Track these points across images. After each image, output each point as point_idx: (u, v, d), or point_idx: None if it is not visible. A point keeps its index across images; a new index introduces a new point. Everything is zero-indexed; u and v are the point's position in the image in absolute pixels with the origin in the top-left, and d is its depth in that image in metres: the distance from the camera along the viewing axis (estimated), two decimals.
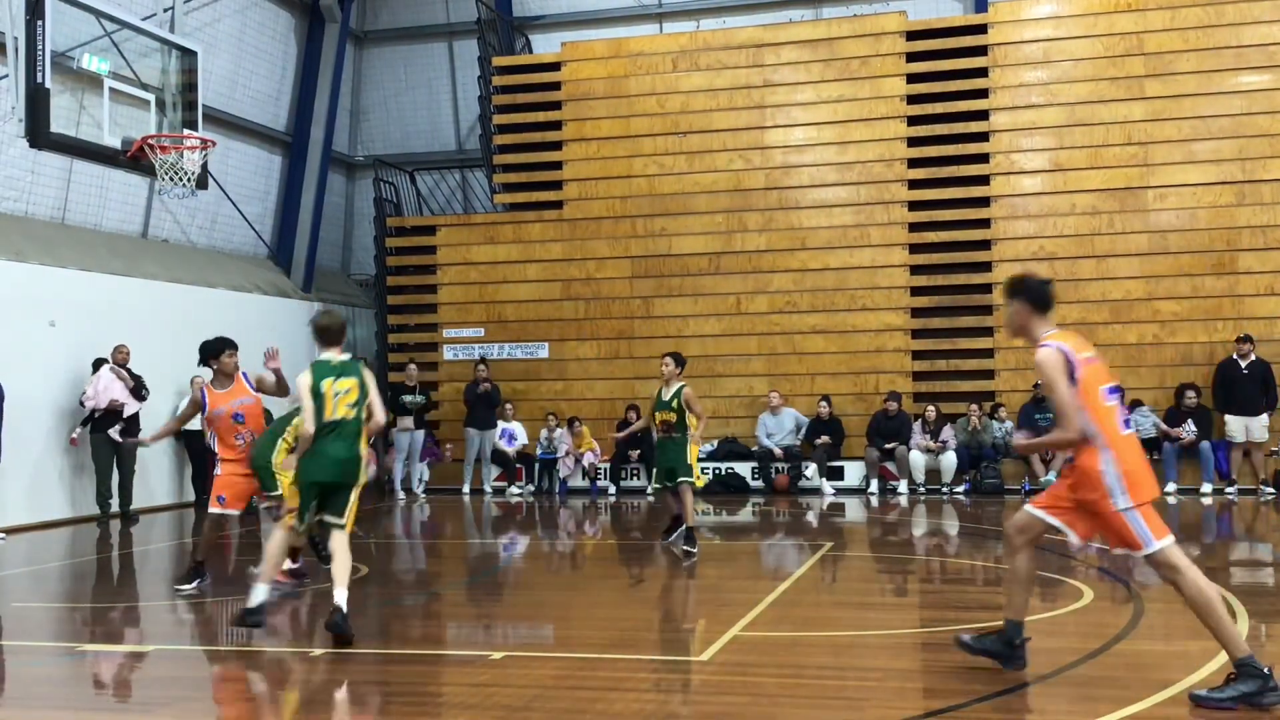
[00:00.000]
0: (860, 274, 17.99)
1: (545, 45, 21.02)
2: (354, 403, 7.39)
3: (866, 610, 8.65)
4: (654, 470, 12.11)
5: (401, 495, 17.55)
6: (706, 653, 6.82)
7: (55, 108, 11.41)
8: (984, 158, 17.73)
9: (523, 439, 18.16)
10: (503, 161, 19.66)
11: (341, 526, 7.42)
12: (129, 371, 14.66)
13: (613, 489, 17.79)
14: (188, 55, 13.31)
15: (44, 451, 14.44)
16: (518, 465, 18.14)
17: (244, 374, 9.29)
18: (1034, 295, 5.92)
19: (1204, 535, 12.87)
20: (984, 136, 17.72)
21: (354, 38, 21.56)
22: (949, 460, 16.54)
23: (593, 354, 18.88)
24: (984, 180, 17.70)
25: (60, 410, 14.63)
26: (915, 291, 17.85)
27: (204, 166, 13.19)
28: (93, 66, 11.88)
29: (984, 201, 17.70)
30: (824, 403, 17.34)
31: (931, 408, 16.98)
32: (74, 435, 14.58)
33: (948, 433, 16.72)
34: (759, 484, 17.31)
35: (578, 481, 17.77)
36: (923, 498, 16.40)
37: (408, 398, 17.85)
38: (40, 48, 11.14)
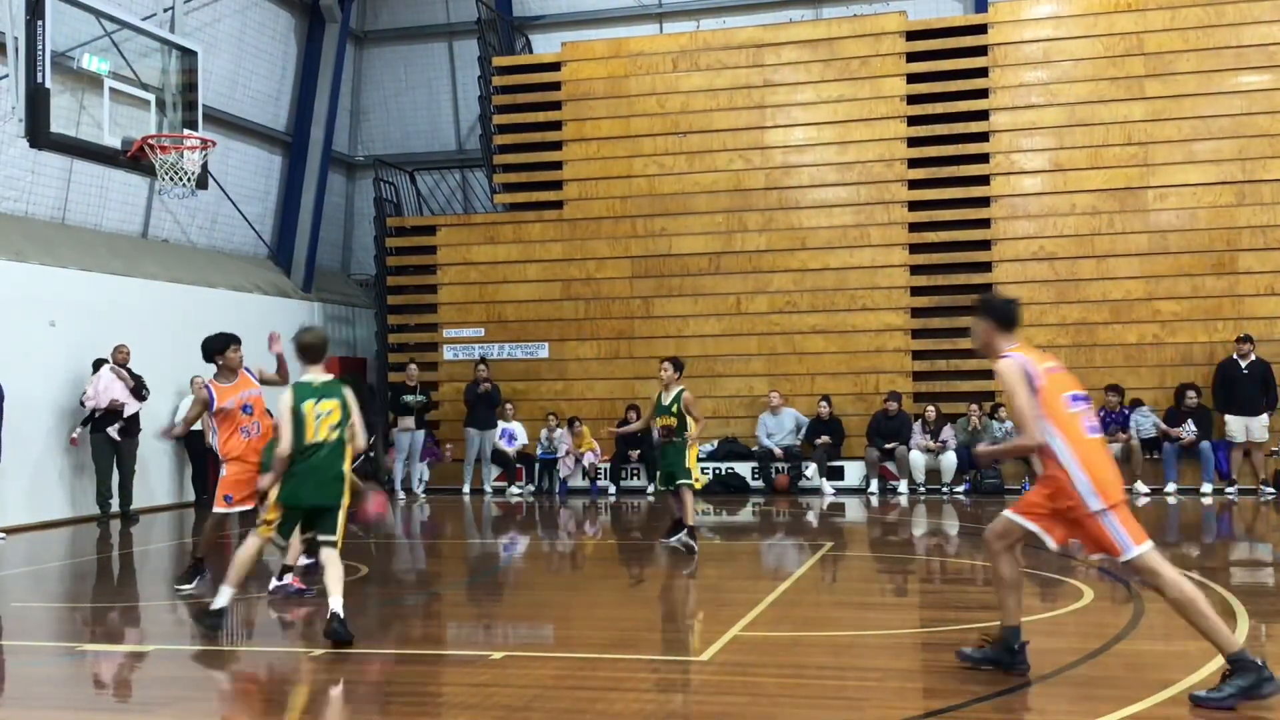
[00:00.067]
0: (860, 274, 17.99)
1: (545, 45, 21.03)
2: (336, 424, 7.33)
3: (866, 610, 8.65)
4: (655, 473, 12.16)
5: (402, 495, 17.55)
6: (706, 653, 6.82)
7: (55, 108, 11.41)
8: (984, 158, 17.73)
9: (523, 439, 18.16)
10: (503, 161, 19.66)
11: (334, 543, 7.37)
12: (129, 371, 14.66)
13: (613, 489, 17.79)
14: (188, 55, 13.31)
15: (44, 451, 14.45)
16: (518, 465, 18.14)
17: (246, 368, 9.33)
18: (998, 314, 6.08)
19: (1204, 535, 12.88)
20: (984, 136, 17.72)
21: (354, 38, 21.56)
22: (949, 460, 16.54)
23: (593, 354, 18.88)
24: (984, 180, 17.70)
25: (60, 410, 14.63)
26: (915, 291, 17.85)
27: (204, 166, 13.19)
28: (93, 66, 11.88)
29: (984, 201, 17.70)
30: (824, 403, 17.34)
31: (931, 408, 16.99)
32: (74, 435, 14.58)
33: (948, 433, 16.72)
34: (759, 484, 17.32)
35: (578, 481, 17.78)
36: (923, 498, 16.40)
37: (409, 397, 17.86)
38: (40, 48, 11.14)
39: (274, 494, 7.42)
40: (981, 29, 17.89)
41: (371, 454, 17.30)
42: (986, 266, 17.59)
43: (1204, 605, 5.62)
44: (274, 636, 8.06)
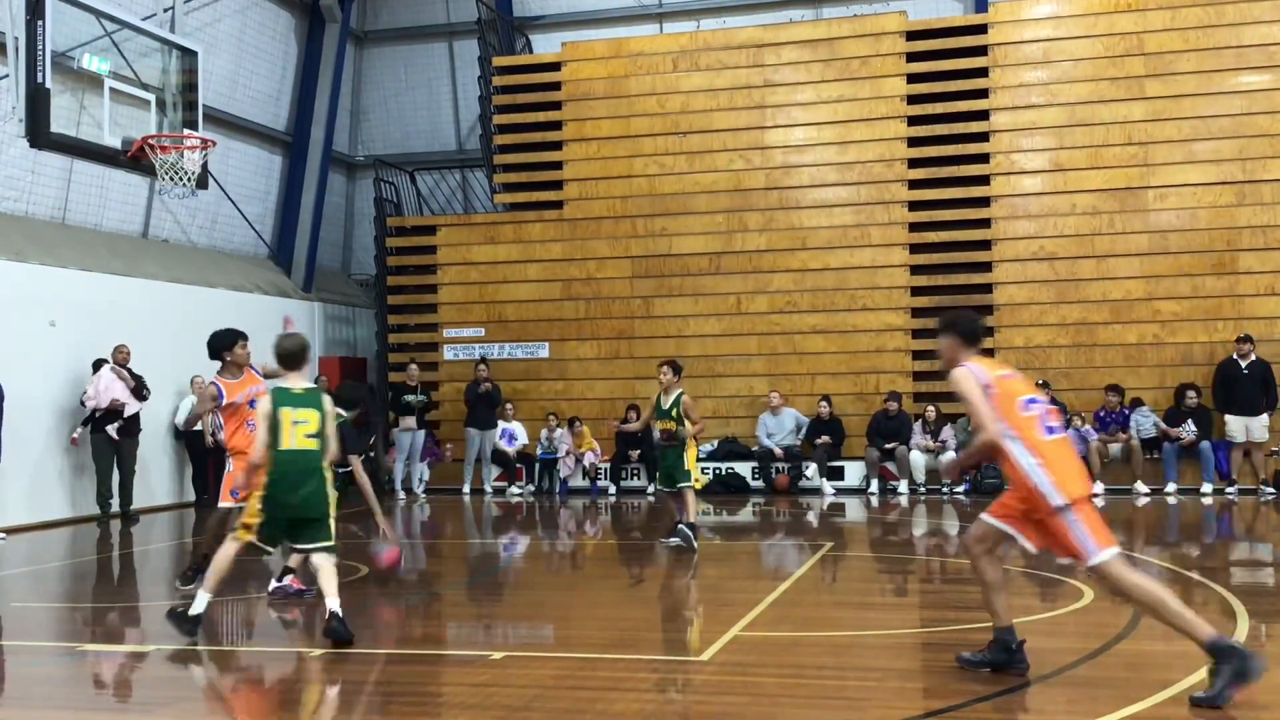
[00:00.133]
0: (860, 274, 17.99)
1: (545, 45, 21.02)
2: (313, 434, 7.29)
3: (867, 610, 8.65)
4: (655, 473, 12.21)
5: (402, 495, 17.55)
6: (706, 653, 6.82)
7: (55, 108, 11.41)
8: (984, 158, 17.73)
9: (523, 439, 18.16)
10: (503, 161, 19.66)
11: (330, 549, 7.34)
12: (130, 371, 14.66)
13: (613, 489, 17.79)
14: (188, 55, 13.31)
15: (44, 451, 14.45)
16: (518, 465, 18.14)
17: (251, 365, 9.37)
18: (963, 331, 6.25)
19: (1204, 535, 12.88)
20: (984, 136, 17.72)
21: (354, 38, 21.56)
22: (949, 460, 16.50)
23: (593, 354, 18.88)
24: (984, 180, 17.70)
25: (60, 410, 14.63)
26: (915, 291, 17.85)
27: (204, 166, 13.19)
28: (93, 66, 11.88)
29: (984, 201, 17.70)
30: (824, 403, 17.34)
31: (931, 408, 16.98)
32: (74, 435, 14.58)
33: (948, 433, 16.72)
34: (759, 484, 17.31)
35: (578, 481, 17.78)
36: (923, 498, 16.40)
37: (410, 397, 17.87)
38: (40, 48, 11.14)
39: (254, 503, 7.39)
40: (981, 29, 17.89)
41: (372, 454, 17.29)
42: (986, 266, 17.59)
43: (1174, 603, 5.67)
44: (274, 637, 8.06)
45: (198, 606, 7.31)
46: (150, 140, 12.43)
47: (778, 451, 17.28)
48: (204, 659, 7.24)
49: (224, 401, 9.10)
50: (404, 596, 9.50)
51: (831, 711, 5.79)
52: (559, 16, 21.07)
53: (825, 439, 17.14)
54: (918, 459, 16.69)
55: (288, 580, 8.97)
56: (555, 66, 19.59)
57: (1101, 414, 16.53)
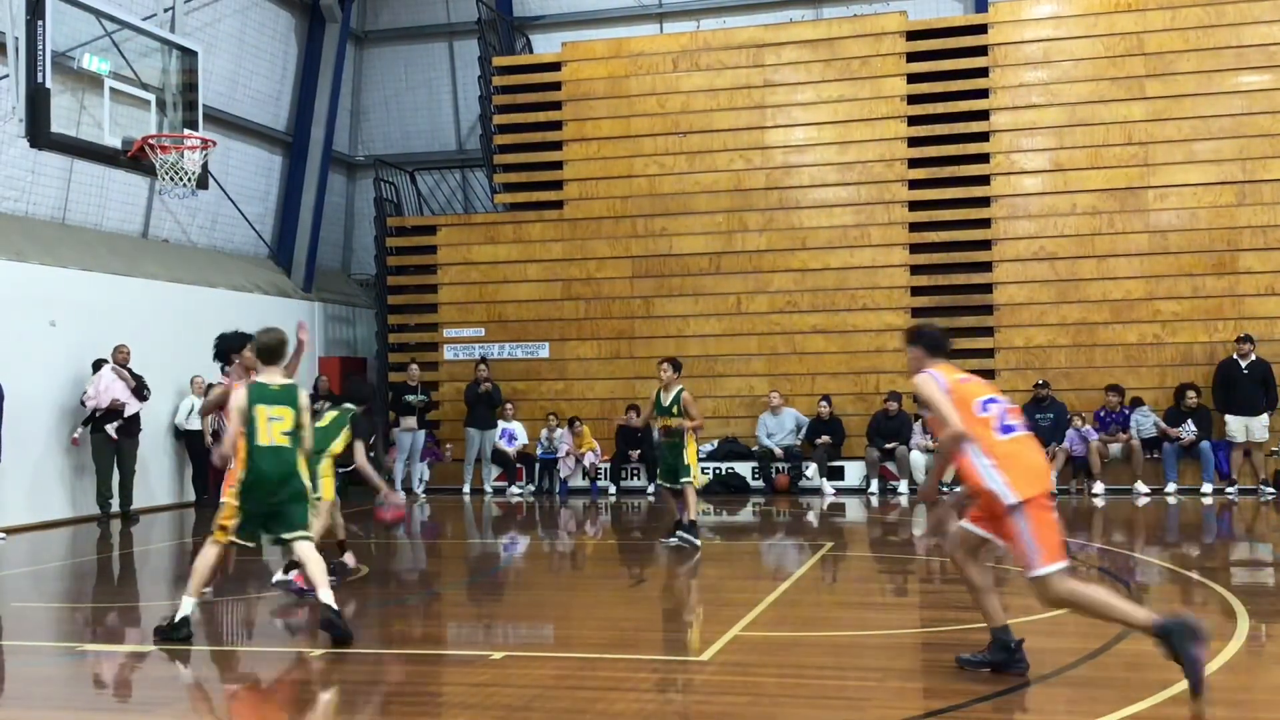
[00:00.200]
0: (860, 274, 17.99)
1: (545, 45, 21.02)
2: (288, 431, 7.30)
3: (867, 610, 8.65)
4: (656, 472, 12.27)
5: (402, 495, 17.53)
6: (706, 653, 6.82)
7: (56, 108, 11.42)
8: (984, 158, 17.73)
9: (523, 439, 18.16)
10: (503, 161, 19.66)
11: (305, 537, 7.33)
12: (130, 372, 14.66)
13: (613, 489, 17.79)
14: (188, 55, 13.32)
15: (44, 451, 14.44)
16: (518, 465, 18.14)
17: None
18: (928, 342, 6.41)
19: (1204, 535, 12.88)
20: (984, 136, 17.72)
21: (354, 38, 21.56)
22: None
23: (593, 354, 18.88)
24: (984, 180, 17.70)
25: (61, 410, 14.63)
26: (915, 291, 17.85)
27: (204, 166, 13.20)
28: (93, 66, 11.89)
29: (984, 201, 17.70)
30: (824, 403, 17.34)
31: None
32: (75, 435, 14.58)
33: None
34: (759, 484, 17.31)
35: (578, 481, 17.77)
36: None
37: (411, 397, 17.87)
38: (40, 48, 11.15)
39: (230, 500, 7.40)
40: (982, 29, 17.89)
41: (372, 454, 17.29)
42: (986, 266, 17.59)
43: (1116, 600, 5.87)
44: (274, 636, 8.06)
45: (183, 610, 7.29)
46: (150, 140, 12.44)
47: (778, 451, 17.28)
48: (204, 659, 7.24)
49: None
50: (404, 596, 9.50)
51: (832, 711, 5.79)
52: (559, 16, 21.07)
53: (825, 439, 17.14)
54: (918, 459, 16.69)
55: (293, 575, 8.96)
56: (555, 66, 19.59)
57: (1102, 414, 16.53)
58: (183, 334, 15.80)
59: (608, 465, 17.82)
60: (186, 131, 13.07)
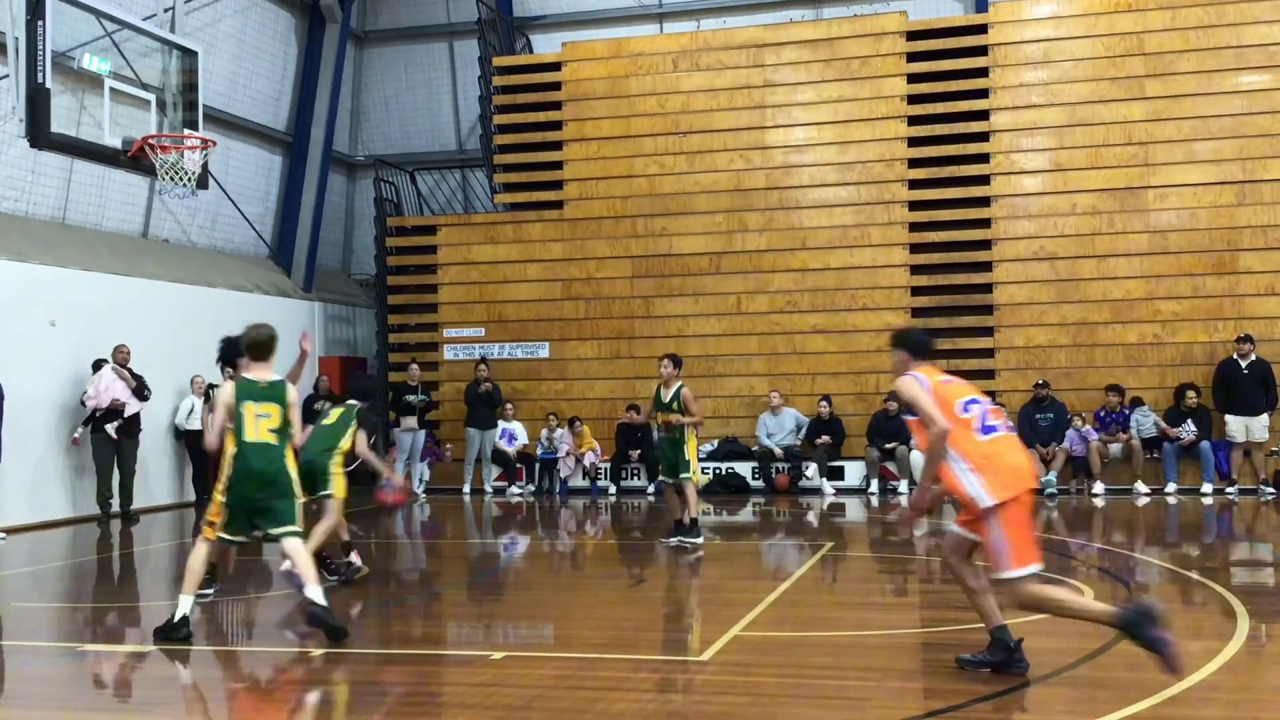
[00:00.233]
0: (860, 274, 17.99)
1: (545, 45, 21.02)
2: (275, 428, 7.31)
3: (867, 610, 8.65)
4: (658, 465, 12.36)
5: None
6: (706, 653, 6.82)
7: (56, 108, 11.42)
8: (984, 158, 17.73)
9: (523, 439, 18.16)
10: (503, 161, 19.66)
11: (295, 534, 7.32)
12: (131, 372, 14.66)
13: (613, 489, 17.79)
14: (188, 55, 13.32)
15: (44, 451, 14.44)
16: (518, 465, 18.14)
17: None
18: (912, 346, 6.49)
19: (1204, 535, 12.88)
20: (984, 136, 17.71)
21: (354, 38, 21.56)
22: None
23: (593, 354, 18.88)
24: (984, 180, 17.70)
25: (61, 410, 14.62)
26: (915, 291, 17.85)
27: (204, 166, 13.20)
28: (93, 66, 11.89)
29: (984, 201, 17.69)
30: (824, 402, 17.33)
31: None
32: (75, 435, 14.58)
33: None
34: (759, 484, 17.31)
35: (578, 481, 17.77)
36: None
37: (411, 397, 17.86)
38: (41, 48, 11.15)
39: (217, 496, 7.42)
40: (982, 29, 17.89)
41: (373, 446, 17.29)
42: (987, 266, 17.59)
43: (1081, 602, 6.04)
44: (274, 636, 8.06)
45: (181, 610, 7.30)
46: (150, 140, 12.44)
47: (778, 451, 17.28)
48: (204, 659, 7.24)
49: None
50: (404, 596, 9.50)
51: (832, 711, 5.79)
52: (559, 16, 21.07)
53: (825, 439, 17.14)
54: (918, 459, 16.58)
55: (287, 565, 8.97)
56: (555, 66, 19.59)
57: (1102, 414, 16.53)
58: (183, 334, 15.80)
59: (608, 465, 17.82)
60: (186, 131, 13.07)
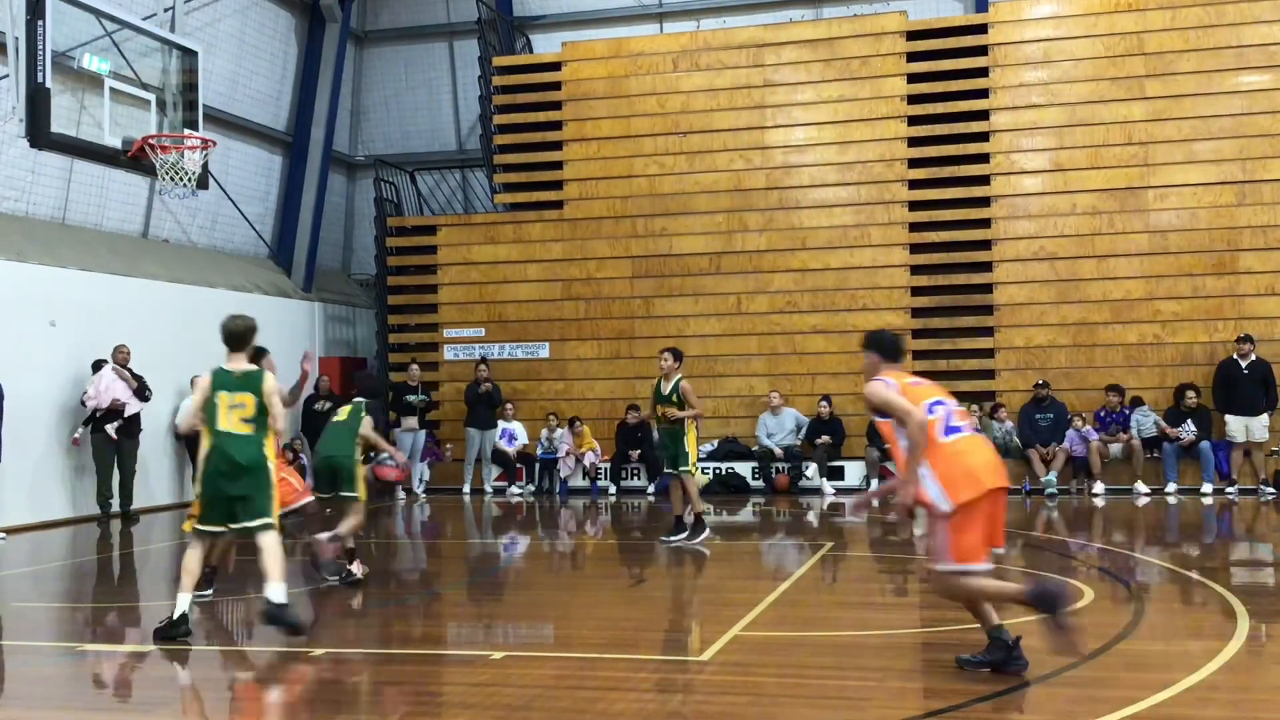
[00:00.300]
0: (861, 274, 17.99)
1: (545, 45, 21.02)
2: (249, 418, 7.31)
3: (867, 610, 8.65)
4: (660, 464, 12.47)
5: (402, 495, 17.54)
6: (706, 653, 6.82)
7: (56, 108, 11.42)
8: (984, 158, 17.72)
9: (523, 439, 18.16)
10: (503, 161, 19.66)
11: (269, 527, 7.33)
12: (131, 372, 14.66)
13: (613, 489, 17.78)
14: (188, 55, 13.32)
15: (44, 451, 14.44)
16: (518, 465, 18.14)
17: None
18: (883, 348, 6.55)
19: (1204, 535, 12.88)
20: (984, 136, 17.71)
21: (354, 38, 21.56)
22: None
23: (593, 354, 18.88)
24: (984, 180, 17.69)
25: (61, 410, 14.62)
26: (915, 291, 17.85)
27: (204, 166, 13.20)
28: (93, 66, 11.89)
29: (984, 201, 17.69)
30: (824, 403, 17.33)
31: None
32: (75, 435, 14.58)
33: None
34: (759, 484, 17.31)
35: (578, 481, 17.77)
36: None
37: (412, 397, 17.87)
38: (41, 48, 11.15)
39: (195, 489, 7.47)
40: (982, 29, 17.89)
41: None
42: (987, 266, 17.59)
43: (999, 585, 6.13)
44: (274, 636, 8.04)
45: (179, 608, 7.30)
46: (150, 140, 12.44)
47: (778, 451, 17.28)
48: (204, 659, 7.24)
49: None
50: (404, 596, 9.50)
51: (832, 711, 5.79)
52: (559, 16, 21.07)
53: (825, 439, 17.14)
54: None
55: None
56: (555, 66, 19.59)
57: (1102, 414, 16.53)
58: (182, 334, 15.79)
59: (608, 465, 17.82)
60: (186, 131, 13.07)
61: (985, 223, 17.66)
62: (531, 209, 19.46)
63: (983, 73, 17.77)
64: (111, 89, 12.12)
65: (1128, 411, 16.40)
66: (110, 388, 14.44)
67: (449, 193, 21.91)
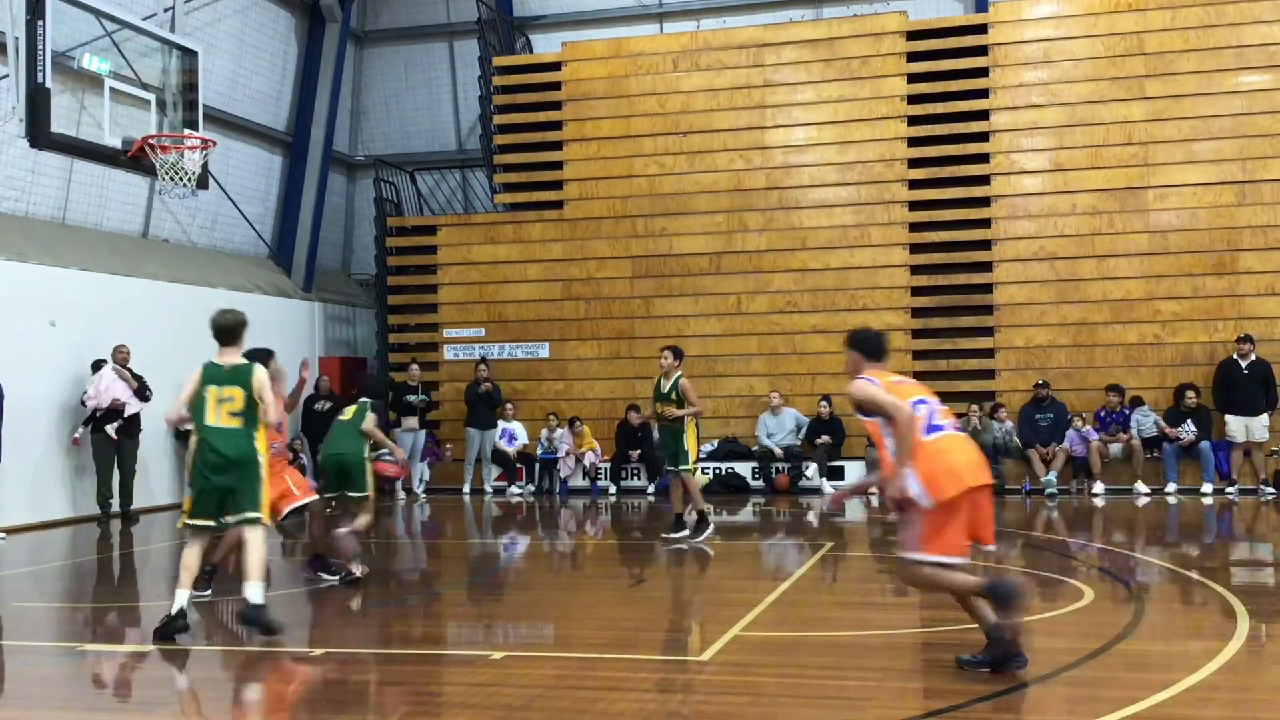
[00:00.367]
0: (861, 274, 17.99)
1: (545, 45, 21.02)
2: (238, 411, 7.32)
3: (867, 610, 8.65)
4: (660, 464, 12.53)
5: (402, 495, 17.54)
6: (706, 653, 6.82)
7: (56, 108, 11.42)
8: (984, 158, 17.72)
9: (523, 439, 18.16)
10: (503, 161, 19.66)
11: (255, 521, 7.34)
12: (131, 372, 14.66)
13: (613, 489, 17.79)
14: (188, 55, 13.31)
15: (44, 451, 14.44)
16: (518, 465, 18.14)
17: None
18: (865, 347, 6.60)
19: (1204, 535, 12.88)
20: (984, 136, 17.71)
21: (354, 38, 21.56)
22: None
23: (593, 354, 18.88)
24: (984, 180, 17.69)
25: (61, 410, 14.62)
26: (915, 291, 17.85)
27: (204, 166, 13.20)
28: (93, 66, 11.89)
29: (984, 201, 17.69)
30: (824, 402, 17.33)
31: None
32: (75, 435, 14.58)
33: None
34: (759, 484, 17.31)
35: (578, 481, 17.77)
36: None
37: (412, 397, 17.87)
38: (41, 48, 11.15)
39: (188, 484, 7.52)
40: (982, 29, 17.89)
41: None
42: (987, 266, 17.59)
43: (960, 577, 6.12)
44: (273, 636, 8.05)
45: (178, 604, 7.30)
46: (150, 140, 12.43)
47: (778, 451, 17.28)
48: (204, 659, 7.24)
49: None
50: (404, 596, 9.50)
51: (832, 711, 5.79)
52: (559, 16, 21.07)
53: (825, 439, 17.13)
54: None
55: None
56: (555, 66, 19.59)
57: (1102, 414, 16.53)
58: (183, 334, 15.64)
59: (608, 465, 17.82)
60: (186, 131, 13.06)
61: (985, 223, 17.66)
62: (531, 209, 19.46)
63: (983, 73, 17.77)
64: (111, 89, 12.12)
65: (1128, 411, 16.40)
66: (110, 388, 14.44)
67: (449, 193, 21.91)
